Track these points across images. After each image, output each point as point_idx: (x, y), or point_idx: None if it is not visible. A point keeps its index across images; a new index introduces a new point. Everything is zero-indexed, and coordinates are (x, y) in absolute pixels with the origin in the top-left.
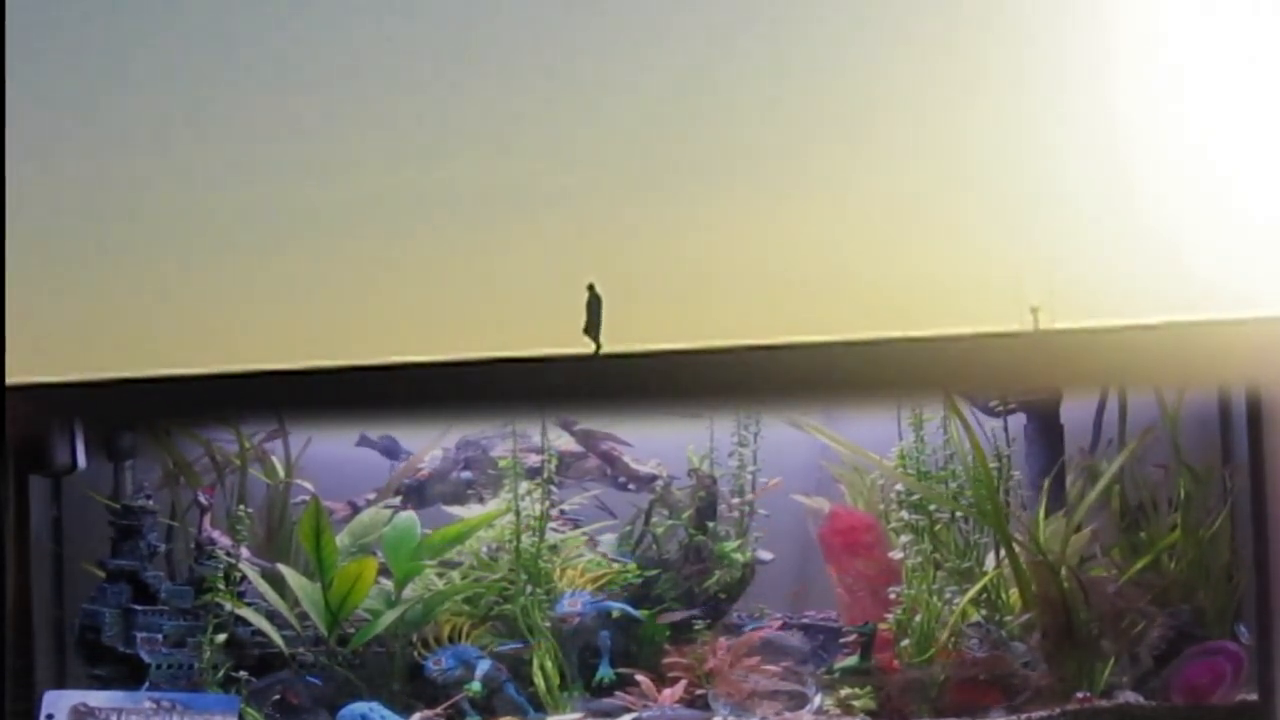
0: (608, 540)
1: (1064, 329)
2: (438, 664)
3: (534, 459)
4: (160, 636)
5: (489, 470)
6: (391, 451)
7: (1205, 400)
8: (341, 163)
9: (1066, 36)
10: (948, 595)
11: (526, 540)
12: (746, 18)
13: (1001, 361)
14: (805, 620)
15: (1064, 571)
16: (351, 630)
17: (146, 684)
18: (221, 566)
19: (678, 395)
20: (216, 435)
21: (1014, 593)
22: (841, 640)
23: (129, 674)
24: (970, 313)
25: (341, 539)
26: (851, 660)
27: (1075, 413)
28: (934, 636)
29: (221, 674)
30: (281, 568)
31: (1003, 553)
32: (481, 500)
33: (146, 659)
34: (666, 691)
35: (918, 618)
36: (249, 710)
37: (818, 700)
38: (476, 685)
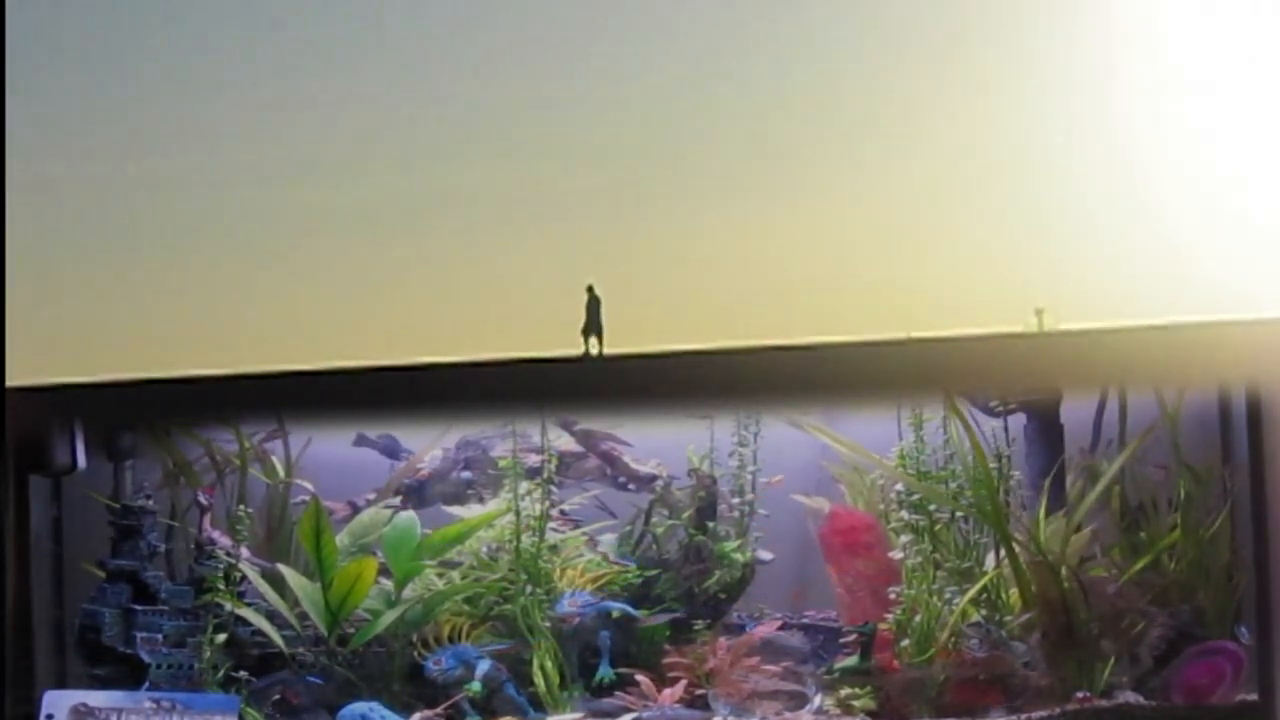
0: (608, 540)
1: (1064, 330)
2: (438, 664)
3: (534, 459)
4: (160, 636)
5: (489, 470)
6: (391, 451)
7: (1205, 400)
8: (341, 165)
9: (1068, 39)
10: (948, 595)
11: (526, 540)
12: (747, 20)
13: (1001, 362)
14: (805, 620)
15: (1064, 571)
16: (351, 630)
17: (146, 684)
18: (221, 566)
19: (678, 395)
20: (216, 435)
21: (1014, 593)
22: (841, 640)
23: (129, 674)
24: (971, 314)
25: (341, 539)
26: (851, 660)
27: (1075, 413)
28: (934, 636)
29: (221, 674)
30: (281, 568)
31: (1003, 553)
32: (481, 500)
33: (146, 659)
34: (666, 691)
35: (918, 618)
36: (249, 710)
37: (818, 700)
38: (476, 685)
